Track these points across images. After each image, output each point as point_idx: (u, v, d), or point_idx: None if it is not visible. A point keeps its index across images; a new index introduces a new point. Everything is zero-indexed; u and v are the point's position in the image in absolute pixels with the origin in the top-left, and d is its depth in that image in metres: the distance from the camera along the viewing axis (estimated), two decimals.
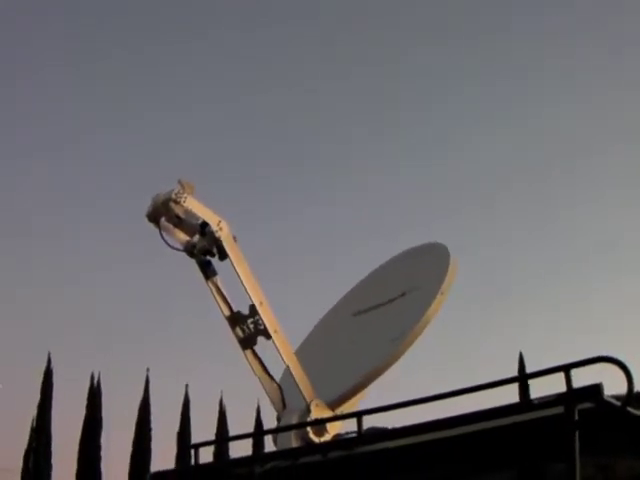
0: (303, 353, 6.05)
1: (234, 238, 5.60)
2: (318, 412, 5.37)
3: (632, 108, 61.46)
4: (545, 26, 59.59)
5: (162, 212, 5.56)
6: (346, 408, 5.52)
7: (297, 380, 5.51)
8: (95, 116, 63.76)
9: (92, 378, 46.48)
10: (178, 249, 5.67)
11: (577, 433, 3.60)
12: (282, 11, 63.31)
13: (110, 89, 62.55)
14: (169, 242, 5.61)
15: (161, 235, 5.60)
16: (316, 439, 5.17)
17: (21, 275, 62.35)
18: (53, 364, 45.75)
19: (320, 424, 5.24)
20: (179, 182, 5.57)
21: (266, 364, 5.65)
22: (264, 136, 64.97)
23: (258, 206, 64.17)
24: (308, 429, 5.22)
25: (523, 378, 4.09)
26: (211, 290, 5.71)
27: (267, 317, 5.57)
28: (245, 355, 5.65)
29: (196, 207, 5.54)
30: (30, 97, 63.87)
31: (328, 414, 5.34)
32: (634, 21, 58.99)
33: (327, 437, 5.16)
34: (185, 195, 5.51)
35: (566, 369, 3.71)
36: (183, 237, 5.70)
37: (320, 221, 63.59)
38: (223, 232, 5.53)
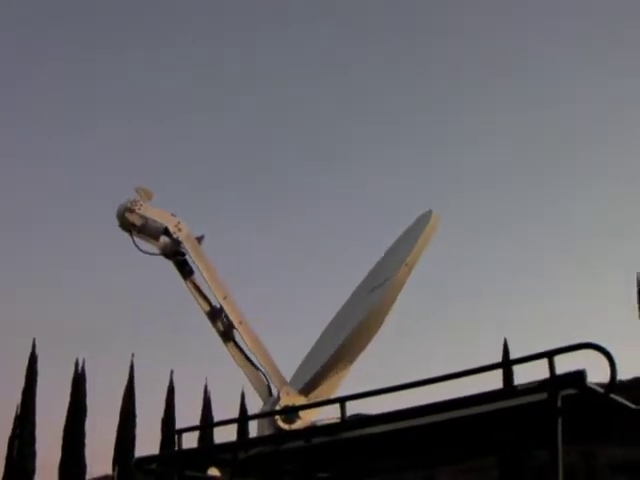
0: (323, 338, 6.29)
1: (200, 238, 5.86)
2: (288, 400, 5.37)
3: None
4: None
5: (128, 221, 5.80)
6: (324, 393, 5.47)
7: (265, 369, 5.59)
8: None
9: (76, 364, 46.44)
10: (153, 253, 5.90)
11: (560, 420, 3.60)
12: None
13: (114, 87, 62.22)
14: (141, 248, 5.85)
15: (133, 243, 5.83)
16: (285, 426, 5.15)
17: (6, 260, 62.22)
18: (38, 350, 45.70)
19: (294, 412, 5.23)
20: (136, 190, 5.87)
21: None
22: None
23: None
24: (277, 417, 5.22)
25: (507, 364, 4.11)
26: (189, 288, 5.89)
27: (231, 310, 5.72)
28: (227, 347, 5.75)
29: (152, 213, 5.82)
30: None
31: (301, 401, 5.31)
32: None
33: (299, 424, 5.13)
34: (140, 203, 5.80)
35: (549, 355, 3.71)
36: (157, 241, 5.93)
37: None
38: (182, 233, 5.79)
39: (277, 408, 5.34)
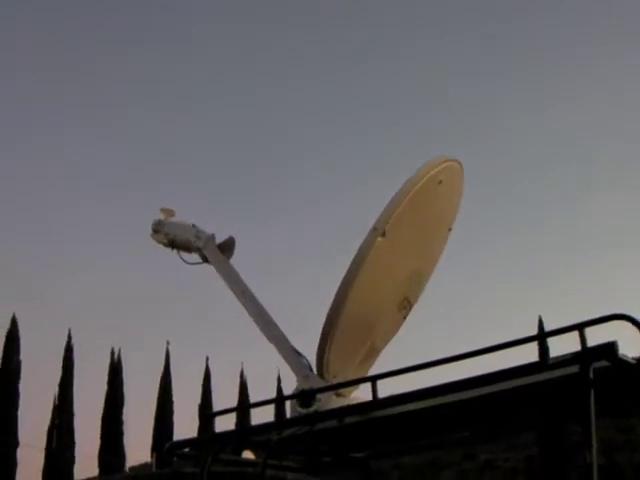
0: None
1: (228, 242, 6.15)
2: (305, 384, 5.36)
3: None
4: None
5: (157, 241, 6.42)
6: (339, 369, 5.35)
7: (285, 360, 5.56)
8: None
9: (112, 354, 46.74)
10: (197, 263, 6.27)
11: (592, 392, 3.56)
12: None
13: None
14: (187, 261, 6.30)
15: (180, 257, 6.32)
16: (302, 410, 5.14)
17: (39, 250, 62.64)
18: (74, 341, 46.00)
19: (306, 396, 5.19)
20: (160, 210, 6.44)
21: None
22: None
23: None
24: (294, 401, 5.22)
25: (537, 338, 4.07)
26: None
27: (248, 306, 5.82)
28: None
29: (174, 229, 6.33)
30: None
31: (320, 384, 5.28)
32: None
33: (316, 406, 5.10)
34: (164, 223, 6.37)
35: (580, 327, 3.68)
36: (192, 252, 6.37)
37: None
38: (201, 241, 6.13)
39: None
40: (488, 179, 51.89)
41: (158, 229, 6.40)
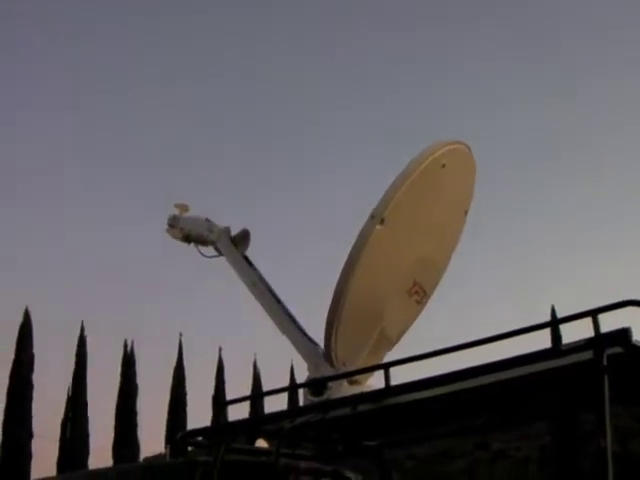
0: None
1: (243, 234, 6.27)
2: (316, 373, 5.36)
3: None
4: None
5: (173, 236, 6.64)
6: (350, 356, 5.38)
7: (297, 350, 5.62)
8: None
9: (125, 345, 46.80)
10: (214, 256, 6.45)
11: (606, 378, 3.54)
12: None
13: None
14: (205, 254, 6.49)
15: (198, 251, 6.53)
16: (314, 399, 5.14)
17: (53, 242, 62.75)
18: (86, 332, 46.08)
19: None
20: (175, 206, 6.67)
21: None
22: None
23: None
24: (307, 390, 5.23)
25: (550, 324, 4.06)
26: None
27: (259, 297, 5.92)
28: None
29: (188, 224, 6.55)
30: None
31: (331, 372, 5.27)
32: None
33: (327, 394, 5.10)
34: (178, 218, 6.59)
35: (594, 314, 3.67)
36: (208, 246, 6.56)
37: None
38: (214, 234, 6.33)
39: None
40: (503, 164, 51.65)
41: (173, 224, 6.59)
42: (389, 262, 5.34)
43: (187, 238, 6.55)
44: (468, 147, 5.51)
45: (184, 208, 6.70)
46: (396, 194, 5.13)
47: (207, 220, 6.46)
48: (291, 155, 64.15)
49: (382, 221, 5.10)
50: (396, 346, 5.70)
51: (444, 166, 5.29)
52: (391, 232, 5.15)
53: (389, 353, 5.66)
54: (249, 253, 6.23)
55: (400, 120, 57.17)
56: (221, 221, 6.42)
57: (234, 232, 6.31)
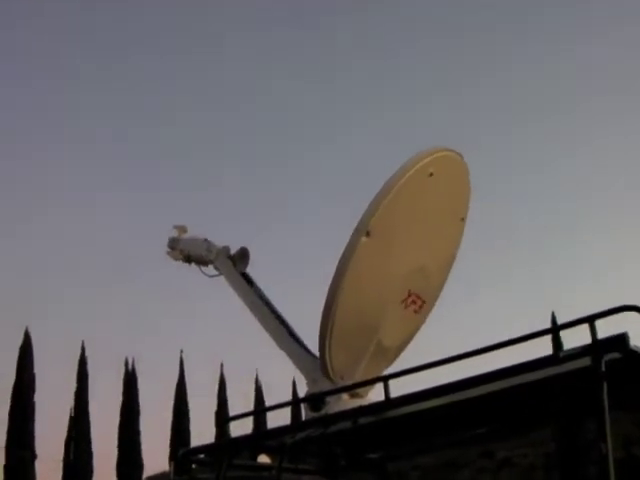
0: None
1: (241, 253, 6.31)
2: (315, 388, 5.37)
3: None
4: None
5: (174, 258, 6.72)
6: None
7: (295, 365, 5.64)
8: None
9: (126, 364, 46.77)
10: (214, 275, 6.49)
11: (605, 384, 3.55)
12: None
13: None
14: (207, 274, 6.53)
15: (200, 270, 6.57)
16: (314, 414, 5.14)
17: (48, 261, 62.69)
18: (87, 352, 46.05)
19: (314, 400, 5.22)
20: (173, 228, 6.82)
21: None
22: None
23: None
24: (306, 406, 5.25)
25: (548, 332, 4.05)
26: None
27: (257, 314, 5.97)
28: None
29: (187, 245, 6.65)
30: None
31: (329, 387, 5.28)
32: None
33: (326, 409, 5.09)
34: (178, 239, 6.72)
35: (590, 320, 3.67)
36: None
37: None
38: (212, 254, 6.41)
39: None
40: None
41: (173, 246, 6.71)
42: (379, 273, 5.32)
43: (188, 259, 6.64)
44: (459, 154, 5.50)
45: (182, 229, 6.82)
46: (380, 205, 5.10)
47: (205, 240, 6.54)
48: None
49: (368, 233, 5.07)
50: (401, 358, 5.71)
51: (432, 174, 5.26)
52: (378, 243, 5.13)
53: (393, 365, 5.67)
54: (250, 270, 6.30)
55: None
56: (234, 240, 6.55)
57: (234, 250, 6.37)
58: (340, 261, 5.10)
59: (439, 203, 5.51)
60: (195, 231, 6.88)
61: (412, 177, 5.18)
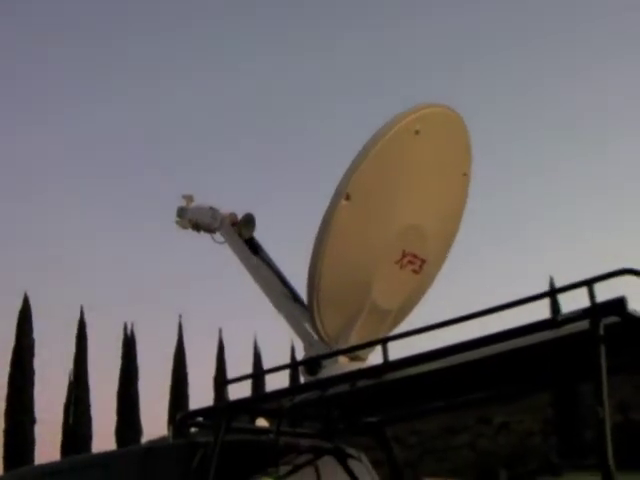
0: None
1: (247, 219, 6.38)
2: (312, 351, 5.36)
3: None
4: None
5: (182, 226, 6.86)
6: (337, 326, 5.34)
7: (292, 329, 5.63)
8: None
9: (125, 328, 46.86)
10: (224, 242, 6.54)
11: (603, 348, 3.53)
12: None
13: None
14: (216, 240, 6.60)
15: (212, 238, 6.65)
16: (309, 377, 5.13)
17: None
18: (86, 317, 46.12)
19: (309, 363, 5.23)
20: (182, 197, 6.95)
21: None
22: None
23: None
24: (304, 370, 5.24)
25: (545, 295, 4.02)
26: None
27: (257, 280, 6.01)
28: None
29: (194, 213, 6.76)
30: None
31: (325, 350, 5.27)
32: None
33: (324, 373, 5.08)
34: (186, 209, 6.85)
35: (589, 283, 3.65)
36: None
37: None
38: (217, 221, 6.51)
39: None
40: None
41: (182, 215, 6.84)
42: (365, 235, 5.25)
43: (196, 227, 6.76)
44: (450, 109, 5.37)
45: (190, 199, 6.95)
46: (357, 169, 5.03)
47: (211, 208, 6.64)
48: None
49: (347, 197, 5.02)
50: (409, 322, 5.66)
51: (418, 132, 5.15)
52: (361, 205, 5.07)
53: (400, 329, 5.59)
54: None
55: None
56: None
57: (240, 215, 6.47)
58: (320, 225, 5.06)
59: (433, 160, 5.40)
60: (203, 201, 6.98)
61: (393, 137, 5.08)
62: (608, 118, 59.66)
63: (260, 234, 6.32)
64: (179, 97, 64.38)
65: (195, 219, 6.73)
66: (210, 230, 6.62)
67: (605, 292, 3.65)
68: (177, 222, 6.92)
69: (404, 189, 5.33)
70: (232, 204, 6.58)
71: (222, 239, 6.51)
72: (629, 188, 58.01)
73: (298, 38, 64.40)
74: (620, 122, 59.59)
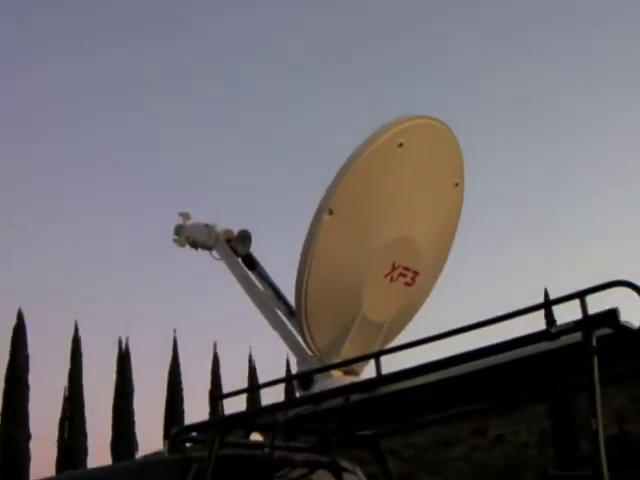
0: None
1: (242, 235, 6.36)
2: (304, 366, 5.38)
3: None
4: None
5: (180, 244, 6.81)
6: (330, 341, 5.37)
7: (286, 344, 5.64)
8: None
9: (120, 343, 46.78)
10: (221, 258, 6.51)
11: (596, 360, 3.54)
12: None
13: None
14: (215, 257, 6.50)
15: (211, 255, 6.55)
16: (302, 392, 5.15)
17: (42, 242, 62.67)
18: (81, 332, 46.04)
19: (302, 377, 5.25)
20: (178, 215, 6.91)
21: None
22: None
23: None
24: (295, 384, 5.26)
25: (539, 307, 4.02)
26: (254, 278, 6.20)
27: (251, 296, 6.01)
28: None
29: (191, 231, 6.74)
30: None
31: (318, 364, 5.28)
32: None
33: (317, 387, 5.09)
34: (183, 226, 6.83)
35: (581, 295, 3.66)
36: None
37: None
38: (211, 239, 6.45)
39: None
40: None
41: (179, 233, 6.82)
42: (351, 249, 5.26)
43: (194, 245, 6.74)
44: (437, 120, 5.38)
45: (186, 216, 6.93)
46: (339, 184, 5.05)
47: (207, 225, 6.61)
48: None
49: (330, 212, 5.05)
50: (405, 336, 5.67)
51: (401, 145, 5.15)
52: (345, 220, 5.11)
53: (396, 342, 5.60)
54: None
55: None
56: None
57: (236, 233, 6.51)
58: (305, 242, 5.10)
59: (420, 172, 5.40)
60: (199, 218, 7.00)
61: (375, 151, 5.09)
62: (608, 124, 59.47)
63: (262, 247, 6.40)
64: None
65: (192, 237, 6.71)
66: (207, 247, 6.58)
67: (605, 303, 3.67)
68: (175, 240, 6.90)
69: (391, 202, 5.33)
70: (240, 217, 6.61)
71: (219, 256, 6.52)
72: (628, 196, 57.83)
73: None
74: (620, 127, 59.22)
